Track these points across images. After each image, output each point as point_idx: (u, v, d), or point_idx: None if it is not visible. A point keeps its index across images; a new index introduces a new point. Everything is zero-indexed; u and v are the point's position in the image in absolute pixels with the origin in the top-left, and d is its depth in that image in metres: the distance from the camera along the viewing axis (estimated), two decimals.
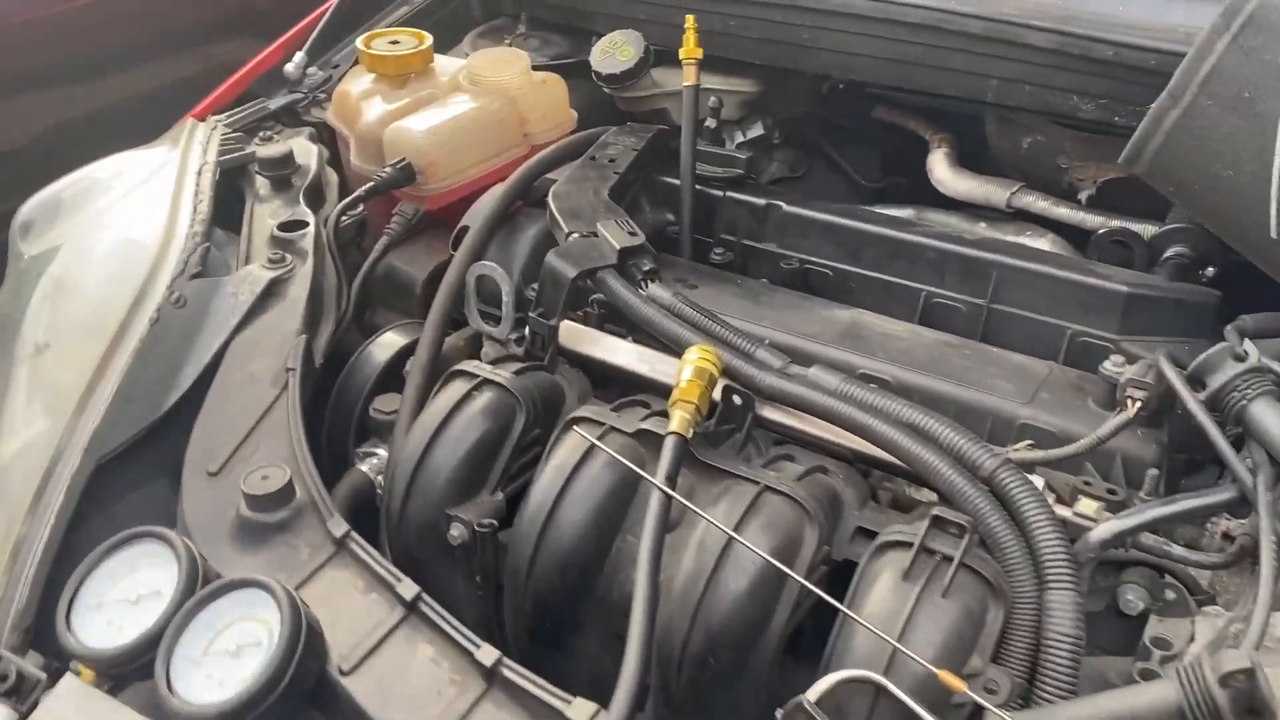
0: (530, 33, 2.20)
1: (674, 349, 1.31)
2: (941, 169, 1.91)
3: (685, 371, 1.22)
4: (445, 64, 1.93)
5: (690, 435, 1.16)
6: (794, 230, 1.67)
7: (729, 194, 1.73)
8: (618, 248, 1.42)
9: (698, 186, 1.72)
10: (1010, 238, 1.88)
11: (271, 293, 1.50)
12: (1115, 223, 1.65)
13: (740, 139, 2.10)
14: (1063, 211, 1.79)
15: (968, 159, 1.94)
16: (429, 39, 1.89)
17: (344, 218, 1.64)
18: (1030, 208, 1.82)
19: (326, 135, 1.95)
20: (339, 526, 1.15)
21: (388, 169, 1.67)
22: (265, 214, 1.65)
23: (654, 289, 1.40)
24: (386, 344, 1.55)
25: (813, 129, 2.15)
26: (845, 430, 1.20)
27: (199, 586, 1.04)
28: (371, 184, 1.65)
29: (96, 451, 1.26)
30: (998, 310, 1.51)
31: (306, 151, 1.79)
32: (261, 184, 1.72)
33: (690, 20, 1.69)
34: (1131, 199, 1.73)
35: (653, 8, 1.99)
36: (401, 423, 1.39)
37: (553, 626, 1.22)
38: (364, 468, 1.42)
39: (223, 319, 1.46)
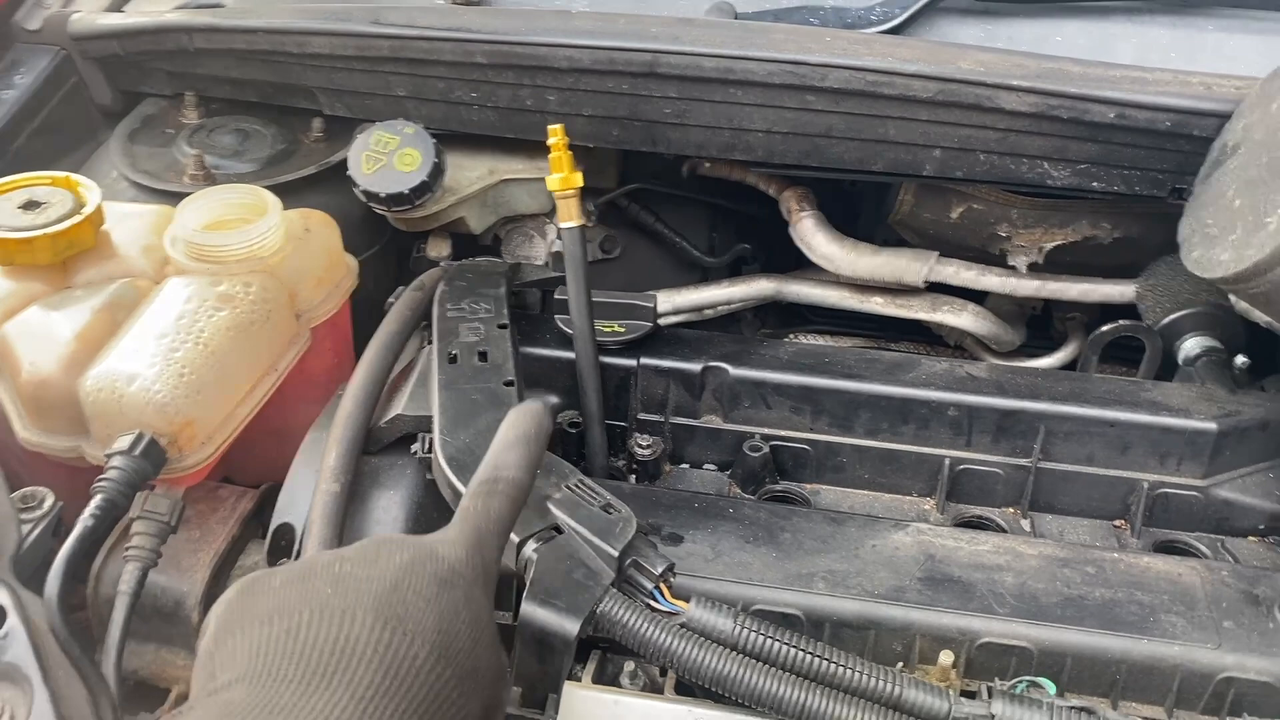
0: (212, 121, 1.47)
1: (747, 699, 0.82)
2: (823, 242, 1.51)
3: None
4: (114, 217, 1.19)
5: None
6: (748, 399, 1.20)
7: (644, 361, 1.21)
8: (614, 553, 0.88)
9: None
10: (924, 316, 1.56)
11: None
12: (1059, 289, 1.38)
13: (554, 235, 1.57)
14: (992, 280, 1.48)
15: (832, 216, 1.56)
16: (94, 191, 1.14)
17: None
18: (952, 280, 1.49)
19: None
20: None
21: (116, 458, 0.96)
22: None
23: (696, 611, 0.87)
24: None
25: (627, 198, 1.66)
26: None
27: None
28: (102, 498, 0.93)
29: None
30: (1048, 470, 1.17)
31: None
32: None
33: (558, 133, 1.11)
34: (1075, 260, 1.47)
35: (417, 80, 1.37)
36: None
37: None
38: None
39: None
